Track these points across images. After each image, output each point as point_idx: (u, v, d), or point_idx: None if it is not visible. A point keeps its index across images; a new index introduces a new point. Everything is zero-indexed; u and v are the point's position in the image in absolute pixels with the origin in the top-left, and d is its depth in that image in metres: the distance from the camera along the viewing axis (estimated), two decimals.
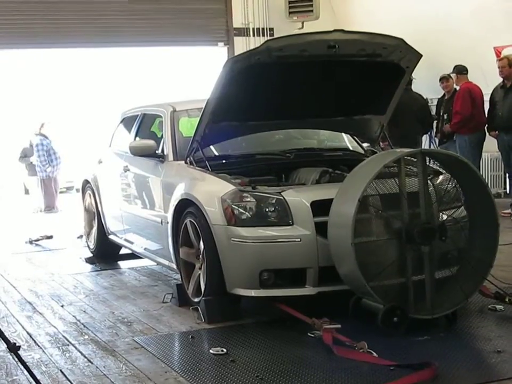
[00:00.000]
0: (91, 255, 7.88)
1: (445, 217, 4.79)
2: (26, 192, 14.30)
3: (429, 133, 10.87)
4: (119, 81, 15.64)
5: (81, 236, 8.68)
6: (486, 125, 9.56)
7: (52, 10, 12.05)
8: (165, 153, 6.11)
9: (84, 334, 5.00)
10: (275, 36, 11.46)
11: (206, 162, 5.51)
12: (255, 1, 13.00)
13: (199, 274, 5.26)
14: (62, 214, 12.29)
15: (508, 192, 10.90)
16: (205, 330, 4.91)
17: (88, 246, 8.02)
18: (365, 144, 6.53)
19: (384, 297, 4.48)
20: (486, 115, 9.51)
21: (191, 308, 5.24)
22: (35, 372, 3.92)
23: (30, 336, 5.00)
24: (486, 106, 9.51)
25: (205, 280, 5.11)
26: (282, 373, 3.98)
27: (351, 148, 6.46)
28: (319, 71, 5.41)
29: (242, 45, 12.59)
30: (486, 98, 9.50)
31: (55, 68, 15.29)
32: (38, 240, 9.12)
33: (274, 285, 4.88)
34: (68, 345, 4.76)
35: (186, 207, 5.35)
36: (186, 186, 5.44)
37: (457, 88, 9.88)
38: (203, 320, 5.04)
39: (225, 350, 4.39)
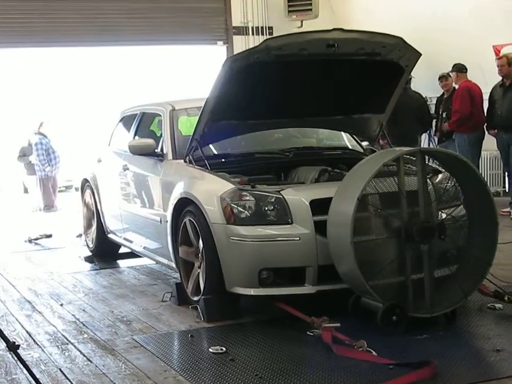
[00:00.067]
0: (90, 254, 7.88)
1: (444, 216, 4.79)
2: (26, 191, 14.29)
3: (428, 132, 10.88)
4: (118, 80, 15.62)
5: (80, 235, 8.67)
6: (485, 124, 9.56)
7: (50, 9, 12.03)
8: (164, 152, 6.11)
9: (83, 332, 5.00)
10: (274, 35, 11.48)
11: (205, 161, 5.51)
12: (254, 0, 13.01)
13: (198, 273, 5.26)
14: (61, 213, 12.29)
15: (507, 190, 10.90)
16: (204, 329, 4.91)
17: (88, 245, 8.02)
18: (364, 143, 6.53)
19: (383, 295, 4.48)
20: (485, 114, 9.51)
21: (190, 307, 5.24)
22: (34, 370, 3.92)
23: (29, 335, 5.00)
24: (485, 105, 9.51)
25: (204, 279, 5.11)
26: (281, 372, 3.98)
27: (350, 147, 6.46)
28: (318, 70, 5.41)
29: (241, 44, 12.58)
30: (485, 97, 9.50)
31: (53, 67, 15.28)
32: (37, 239, 9.12)
33: (273, 284, 4.88)
34: (67, 344, 4.76)
35: (185, 205, 5.35)
36: (185, 185, 5.44)
37: (456, 87, 9.89)
38: (202, 319, 5.04)
39: (224, 349, 4.39)
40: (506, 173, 10.45)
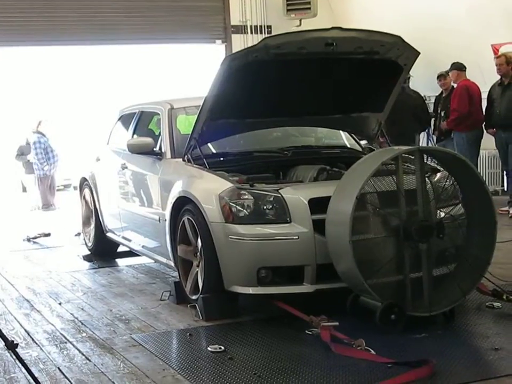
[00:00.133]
0: (89, 252, 7.88)
1: (442, 214, 4.79)
2: (24, 190, 14.28)
3: (426, 131, 10.89)
4: (116, 78, 15.62)
5: (79, 234, 8.67)
6: (484, 123, 9.56)
7: (49, 8, 12.00)
8: (163, 150, 6.11)
9: (81, 331, 5.00)
10: (273, 34, 11.45)
11: (204, 159, 5.51)
12: None
13: (197, 272, 5.26)
14: (59, 211, 12.29)
15: (505, 189, 10.89)
16: (202, 328, 4.91)
17: (86, 244, 8.02)
18: (362, 142, 6.53)
19: (382, 294, 4.48)
20: (484, 113, 9.52)
21: (189, 306, 5.24)
22: (33, 369, 3.92)
23: (28, 334, 5.00)
24: (484, 104, 9.52)
25: (203, 277, 5.11)
26: (280, 371, 3.98)
27: (348, 146, 6.46)
28: (316, 68, 5.41)
29: (240, 43, 12.57)
30: (484, 95, 9.51)
31: (52, 66, 15.26)
32: (35, 237, 9.12)
33: (272, 283, 4.88)
34: (66, 342, 4.76)
35: (184, 204, 5.35)
36: (184, 183, 5.44)
37: (455, 85, 9.89)
38: (201, 318, 5.04)
39: (223, 348, 4.39)
40: (504, 172, 10.44)
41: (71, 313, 5.50)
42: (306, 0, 12.44)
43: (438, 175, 5.12)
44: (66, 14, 12.07)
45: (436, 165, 5.15)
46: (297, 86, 5.49)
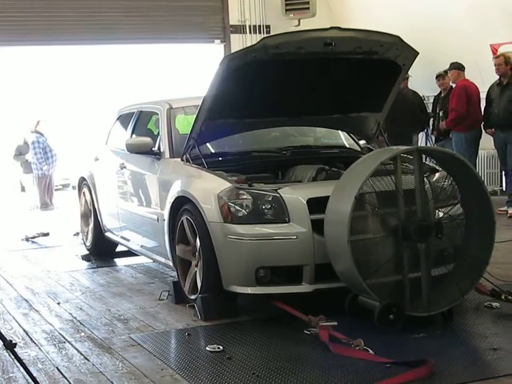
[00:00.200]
0: (87, 252, 7.88)
1: (441, 214, 4.80)
2: (23, 189, 14.28)
3: (425, 131, 10.89)
4: (115, 78, 15.62)
5: (77, 233, 8.67)
6: (482, 123, 9.57)
7: (48, 8, 11.99)
8: (161, 150, 6.10)
9: (80, 331, 5.00)
10: (271, 33, 11.47)
11: (203, 159, 5.51)
12: None
13: (196, 271, 5.26)
14: (58, 211, 12.29)
15: (504, 189, 10.90)
16: (201, 328, 4.91)
17: (85, 244, 8.02)
18: (361, 142, 6.53)
19: (381, 294, 4.48)
20: (482, 112, 9.52)
21: (187, 305, 5.24)
22: (31, 369, 3.92)
23: (26, 334, 4.99)
24: (482, 104, 9.52)
25: (201, 277, 5.11)
26: (278, 370, 3.98)
27: (347, 145, 6.46)
28: (315, 68, 5.41)
29: (238, 42, 12.57)
30: (483, 95, 9.51)
31: (50, 65, 15.27)
32: (34, 237, 9.12)
33: (270, 282, 4.88)
34: (64, 342, 4.75)
35: (182, 204, 5.34)
36: (182, 183, 5.44)
37: (454, 85, 9.89)
38: (199, 318, 5.04)
39: (221, 347, 4.39)
40: (503, 172, 10.44)
41: (69, 313, 5.50)
42: (305, 0, 12.45)
43: (437, 175, 5.12)
44: (65, 14, 12.06)
45: (434, 165, 5.15)
46: (296, 86, 5.49)
